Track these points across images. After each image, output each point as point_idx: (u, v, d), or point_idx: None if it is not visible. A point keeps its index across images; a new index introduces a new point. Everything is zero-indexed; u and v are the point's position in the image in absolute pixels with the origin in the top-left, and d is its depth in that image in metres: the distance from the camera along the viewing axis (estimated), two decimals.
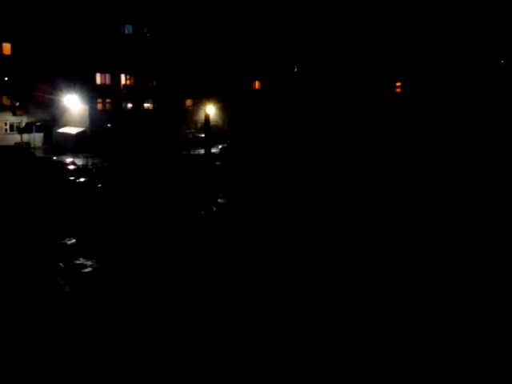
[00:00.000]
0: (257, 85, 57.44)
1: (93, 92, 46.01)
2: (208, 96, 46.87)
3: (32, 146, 42.53)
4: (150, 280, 14.52)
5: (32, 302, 12.86)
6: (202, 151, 37.37)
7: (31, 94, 44.03)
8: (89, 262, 16.25)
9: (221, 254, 17.02)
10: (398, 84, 54.45)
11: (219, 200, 25.67)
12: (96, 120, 45.15)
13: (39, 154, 38.54)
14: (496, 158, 32.24)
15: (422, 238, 17.91)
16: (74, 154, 40.06)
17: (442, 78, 48.63)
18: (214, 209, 24.09)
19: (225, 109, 48.95)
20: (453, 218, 20.43)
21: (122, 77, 48.63)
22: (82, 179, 29.56)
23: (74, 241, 18.61)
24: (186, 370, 9.35)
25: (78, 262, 16.35)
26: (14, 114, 43.96)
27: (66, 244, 18.29)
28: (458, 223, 19.69)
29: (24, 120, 44.27)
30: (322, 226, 20.25)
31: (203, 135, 40.51)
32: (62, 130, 45.60)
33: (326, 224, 20.48)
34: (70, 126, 45.57)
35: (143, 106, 50.17)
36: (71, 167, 32.01)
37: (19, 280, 14.35)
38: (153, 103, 50.58)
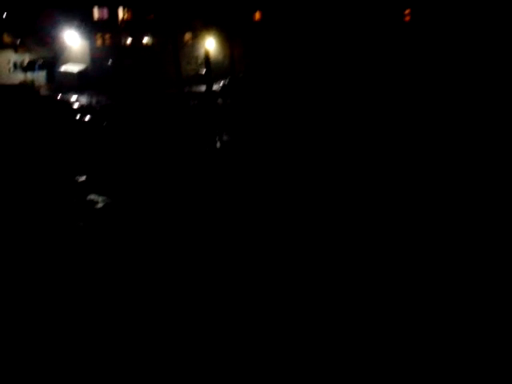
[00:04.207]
0: (257, 16, 56.06)
1: (92, 27, 45.65)
2: (207, 29, 46.00)
3: (36, 84, 42.77)
4: (160, 213, 15.08)
5: (50, 236, 13.52)
6: (204, 88, 37.41)
7: (32, 31, 43.67)
8: (100, 198, 16.70)
9: (227, 188, 17.41)
10: (407, 11, 50.52)
11: (223, 137, 25.71)
12: (96, 57, 45.05)
13: (44, 92, 38.86)
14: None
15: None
16: (78, 92, 40.30)
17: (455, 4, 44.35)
18: (218, 146, 24.37)
19: (225, 43, 48.27)
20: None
21: (120, 10, 47.89)
22: (87, 118, 30.25)
23: (84, 178, 19.04)
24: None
25: (89, 198, 16.79)
26: (16, 52, 43.85)
27: (77, 181, 18.72)
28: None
29: (26, 58, 44.19)
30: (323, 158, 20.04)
31: (204, 71, 40.48)
32: (64, 68, 45.56)
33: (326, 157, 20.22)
34: (72, 63, 45.50)
35: (142, 42, 49.60)
36: (76, 106, 32.60)
37: (36, 216, 14.96)
38: (152, 38, 49.89)
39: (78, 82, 43.24)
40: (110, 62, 44.95)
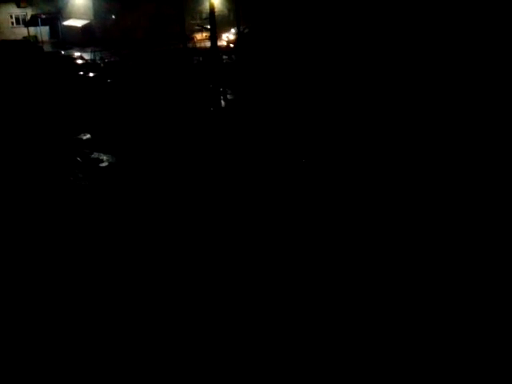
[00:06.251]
0: None
1: None
2: None
3: (39, 39, 42.28)
4: (164, 173, 15.27)
5: (57, 193, 13.87)
6: (209, 44, 36.82)
7: None
8: (104, 157, 16.92)
9: (231, 148, 17.47)
10: None
11: (228, 96, 25.58)
12: (100, 11, 44.18)
13: (47, 48, 38.42)
14: None
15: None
16: (81, 47, 39.89)
17: None
18: (223, 105, 24.15)
19: None
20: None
21: None
22: (91, 74, 30.05)
23: (89, 136, 19.12)
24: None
25: (94, 156, 17.01)
26: (19, 6, 43.06)
27: (82, 139, 18.81)
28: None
29: (29, 12, 43.48)
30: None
31: (209, 26, 39.69)
32: (67, 23, 44.89)
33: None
34: (75, 18, 44.81)
35: None
36: (80, 62, 32.29)
37: (39, 175, 15.20)
38: None
39: (81, 38, 42.71)
40: (113, 17, 44.17)
